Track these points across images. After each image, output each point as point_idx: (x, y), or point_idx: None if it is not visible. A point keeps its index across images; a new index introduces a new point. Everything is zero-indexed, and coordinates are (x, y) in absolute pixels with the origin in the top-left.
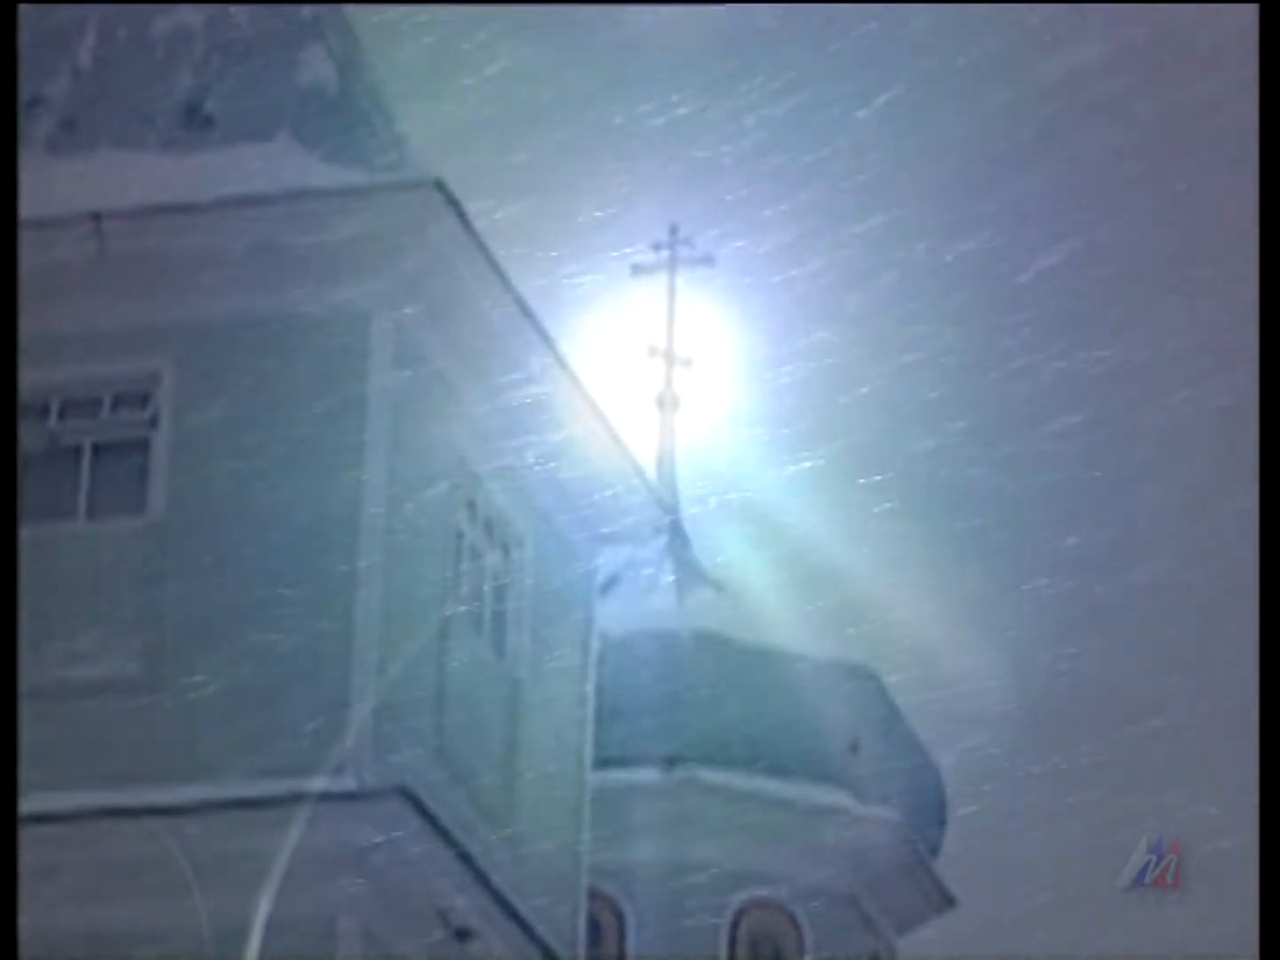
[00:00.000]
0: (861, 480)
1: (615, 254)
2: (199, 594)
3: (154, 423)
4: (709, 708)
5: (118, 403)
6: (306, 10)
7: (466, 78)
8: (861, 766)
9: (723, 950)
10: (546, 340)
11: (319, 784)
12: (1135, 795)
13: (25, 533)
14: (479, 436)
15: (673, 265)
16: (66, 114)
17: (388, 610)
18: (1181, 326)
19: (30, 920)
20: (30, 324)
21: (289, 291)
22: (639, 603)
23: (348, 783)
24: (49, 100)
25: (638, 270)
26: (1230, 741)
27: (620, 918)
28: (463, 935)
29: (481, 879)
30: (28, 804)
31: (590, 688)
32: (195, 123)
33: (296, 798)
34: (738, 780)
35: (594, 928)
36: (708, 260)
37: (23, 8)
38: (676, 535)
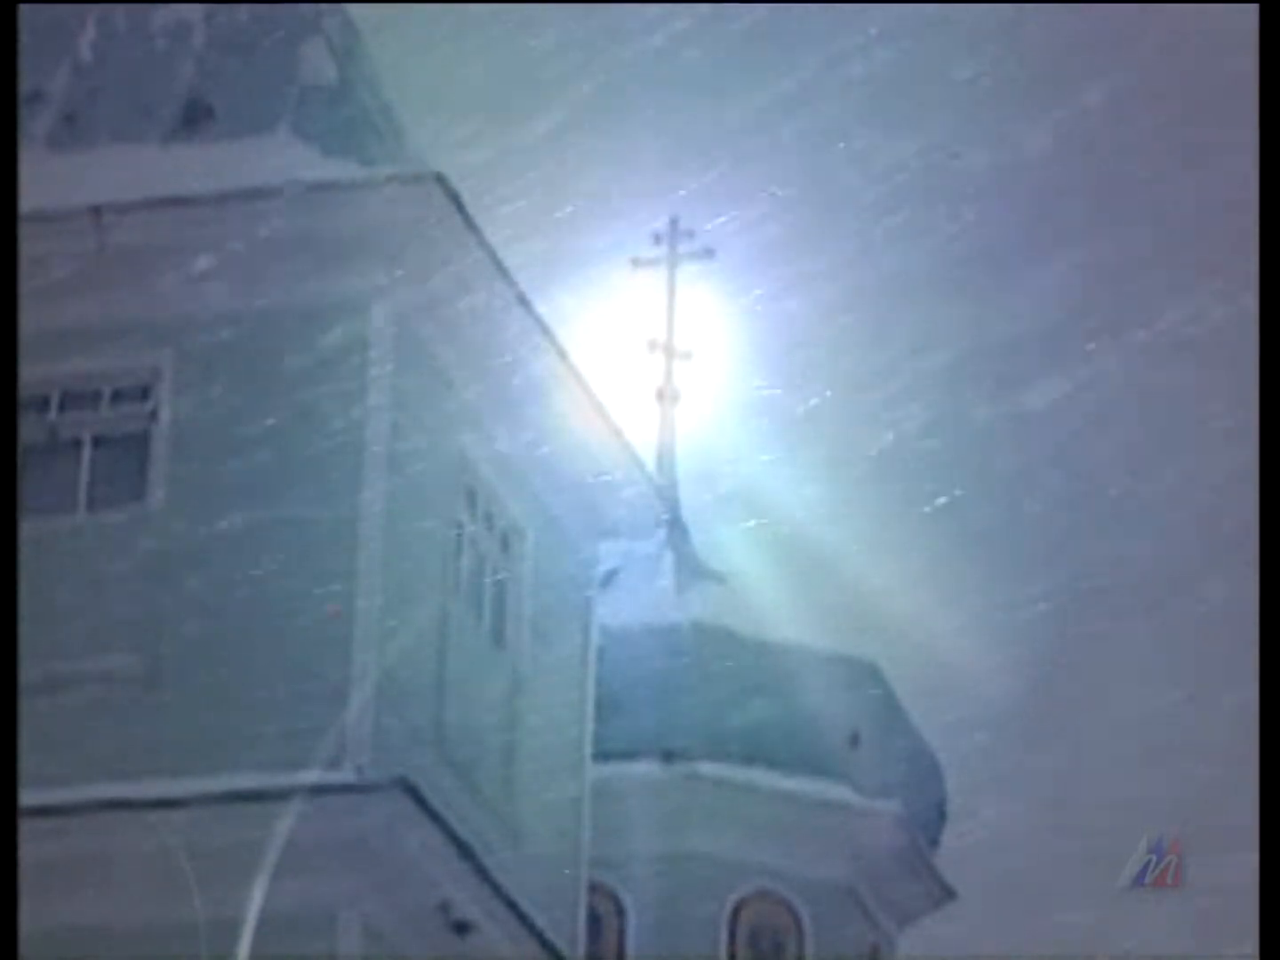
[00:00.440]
0: (861, 474)
1: (615, 247)
2: (198, 586)
3: (154, 416)
4: (709, 701)
5: (118, 396)
6: (306, 4)
7: (466, 70)
8: (861, 759)
9: (722, 943)
10: (546, 333)
11: (318, 776)
12: (1137, 788)
13: (25, 526)
14: (479, 429)
15: (673, 258)
16: (66, 108)
17: (387, 602)
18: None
19: (30, 913)
20: (30, 317)
21: (289, 285)
22: (639, 595)
23: (347, 775)
24: (49, 95)
25: (638, 263)
26: (1232, 736)
27: (620, 910)
28: (462, 928)
29: (481, 872)
30: (27, 797)
31: (590, 680)
32: (195, 116)
33: (296, 790)
34: (737, 773)
35: (594, 920)
36: (708, 253)
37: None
38: (676, 528)
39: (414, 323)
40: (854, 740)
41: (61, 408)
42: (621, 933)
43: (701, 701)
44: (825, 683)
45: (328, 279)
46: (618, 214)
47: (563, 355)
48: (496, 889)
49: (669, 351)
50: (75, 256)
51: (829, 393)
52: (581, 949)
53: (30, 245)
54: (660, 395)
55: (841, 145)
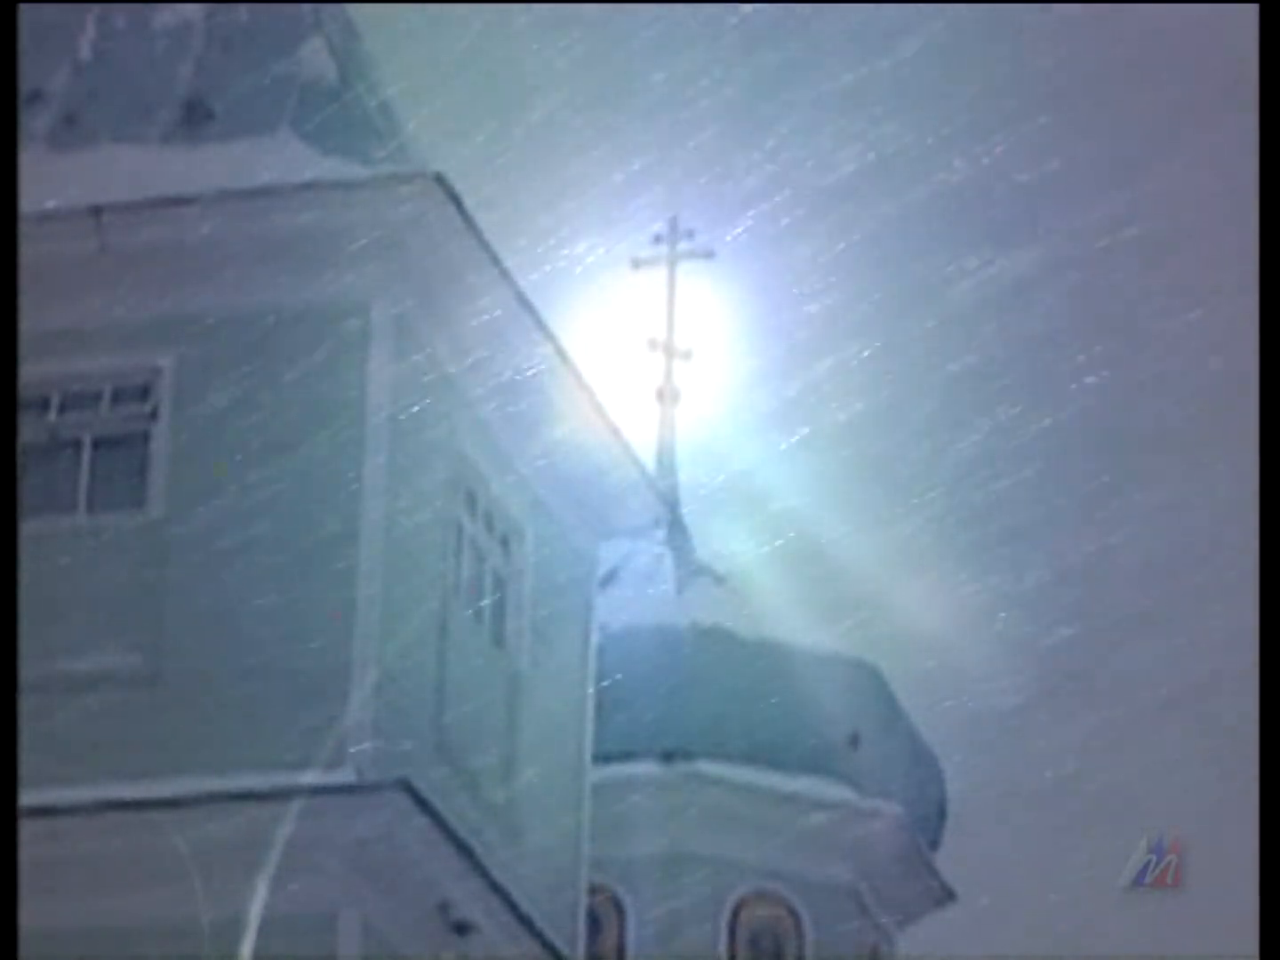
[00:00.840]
0: (862, 473)
1: (615, 247)
2: (198, 587)
3: (154, 416)
4: (709, 701)
5: (118, 396)
6: (306, 4)
7: (465, 71)
8: (861, 759)
9: (723, 943)
10: (546, 333)
11: (318, 777)
12: (1137, 789)
13: (25, 527)
14: (479, 429)
15: (673, 258)
16: (67, 108)
17: (387, 603)
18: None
19: (30, 914)
20: (31, 318)
21: (289, 285)
22: (639, 595)
23: (347, 776)
24: (49, 95)
25: (638, 263)
26: (1233, 733)
27: (620, 911)
28: (462, 928)
29: (481, 872)
30: (27, 798)
31: (590, 680)
32: (195, 116)
33: (296, 791)
34: (737, 773)
35: (594, 921)
36: (708, 253)
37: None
38: (676, 528)
39: (414, 323)
40: (854, 740)
41: (61, 408)
42: (621, 933)
43: (701, 701)
44: (825, 683)
45: (328, 279)
46: (618, 214)
47: (563, 355)
48: (496, 889)
49: (669, 351)
50: (75, 256)
51: (828, 393)
52: (581, 949)
53: (30, 245)
54: (660, 395)
55: (842, 144)
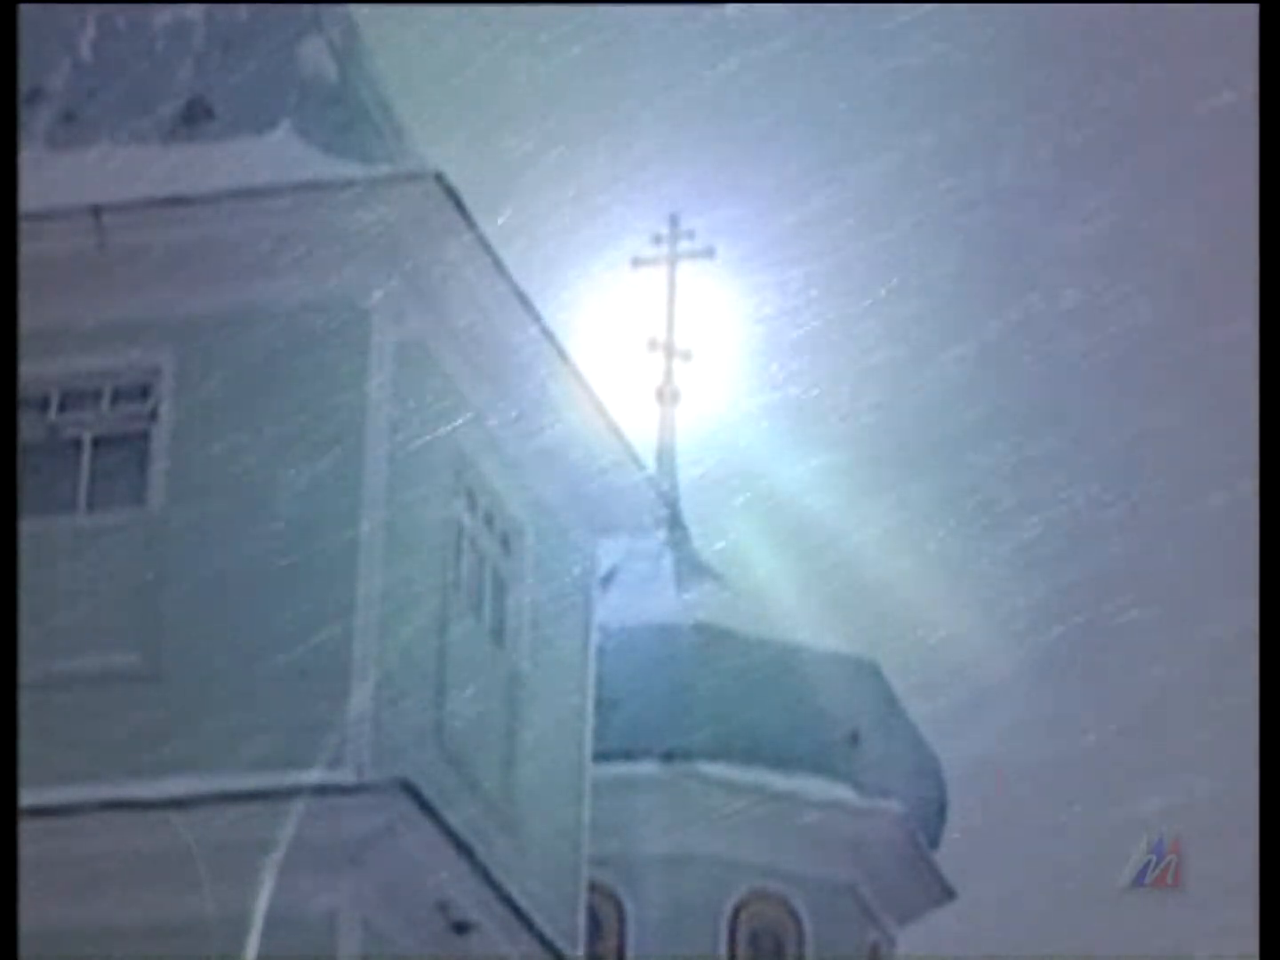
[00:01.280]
0: (862, 472)
1: (615, 247)
2: (198, 586)
3: (154, 415)
4: (709, 700)
5: (117, 395)
6: (306, 4)
7: (466, 70)
8: (862, 758)
9: (723, 942)
10: (546, 332)
11: (319, 776)
12: (1136, 787)
13: (25, 525)
14: (479, 428)
15: (673, 258)
16: (66, 107)
17: (387, 601)
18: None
19: (30, 913)
20: (30, 317)
21: (289, 283)
22: (639, 595)
23: (347, 775)
24: (49, 93)
25: (638, 263)
26: (1234, 729)
27: (620, 910)
28: (462, 928)
29: (481, 872)
30: (27, 797)
31: (590, 679)
32: (195, 115)
33: (296, 790)
34: (737, 772)
35: (594, 920)
36: (708, 252)
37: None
38: (676, 527)
39: (414, 322)
40: (854, 739)
41: (61, 407)
42: (621, 933)
43: (701, 700)
44: (825, 682)
45: (328, 278)
46: (618, 214)
47: (563, 354)
48: (496, 889)
49: (669, 351)
50: (75, 256)
51: (828, 392)
52: (581, 949)
53: (30, 245)
54: (660, 395)
55: (843, 143)
